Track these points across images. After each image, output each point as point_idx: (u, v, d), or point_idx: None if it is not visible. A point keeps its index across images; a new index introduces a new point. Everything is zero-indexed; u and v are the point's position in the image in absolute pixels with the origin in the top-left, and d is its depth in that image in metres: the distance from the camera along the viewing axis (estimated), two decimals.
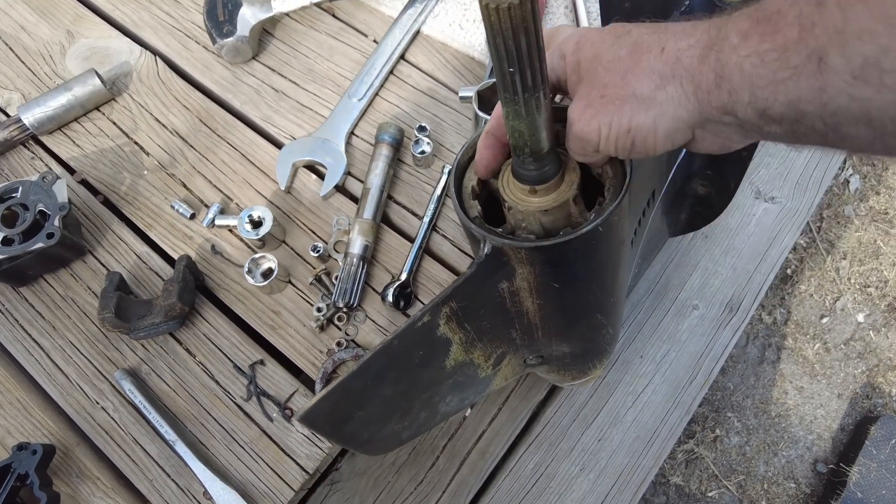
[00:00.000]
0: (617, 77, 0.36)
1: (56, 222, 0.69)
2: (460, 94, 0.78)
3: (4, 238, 0.69)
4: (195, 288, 0.73)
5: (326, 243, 0.74)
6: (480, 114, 0.71)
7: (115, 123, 0.85)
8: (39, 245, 0.68)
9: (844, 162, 1.55)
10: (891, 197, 1.51)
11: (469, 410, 0.82)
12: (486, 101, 0.73)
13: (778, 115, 0.31)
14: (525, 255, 0.45)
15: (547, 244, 0.43)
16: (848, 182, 1.53)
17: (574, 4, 0.86)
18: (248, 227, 0.71)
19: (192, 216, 0.78)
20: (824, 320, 1.42)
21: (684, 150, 0.75)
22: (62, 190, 0.72)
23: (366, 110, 0.82)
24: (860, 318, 1.42)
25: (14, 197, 0.71)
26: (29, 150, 0.84)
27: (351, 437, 0.49)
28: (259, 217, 0.71)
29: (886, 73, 0.26)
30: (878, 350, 1.40)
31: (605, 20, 0.76)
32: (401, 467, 0.78)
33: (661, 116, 0.35)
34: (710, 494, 1.24)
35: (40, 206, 0.70)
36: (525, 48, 0.35)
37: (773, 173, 1.03)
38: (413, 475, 0.78)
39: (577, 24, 0.85)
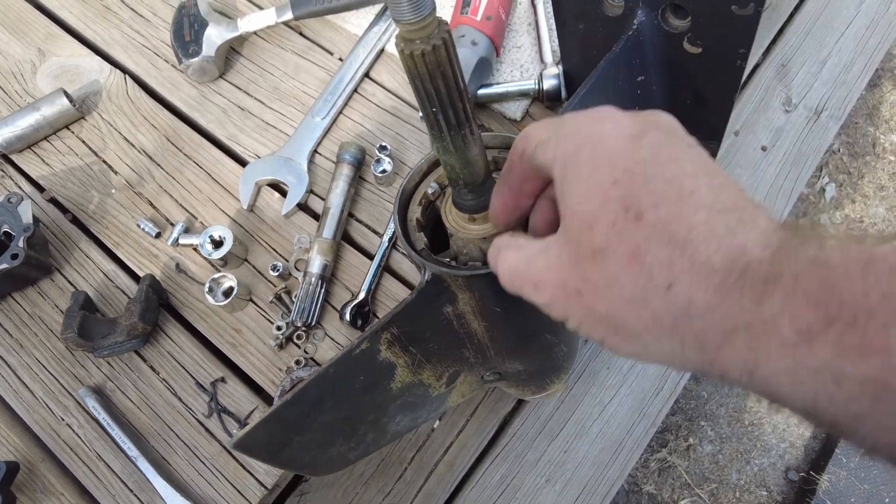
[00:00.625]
0: (601, 283, 0.27)
1: (20, 243, 0.71)
2: (421, 112, 0.79)
3: None
4: (159, 306, 0.74)
5: (287, 261, 0.76)
6: None
7: (84, 142, 0.87)
8: (4, 266, 0.70)
9: (820, 170, 1.56)
10: (866, 205, 1.51)
11: (437, 422, 0.83)
12: None
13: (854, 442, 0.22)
14: (462, 282, 0.46)
15: (481, 273, 0.44)
16: (824, 190, 1.54)
17: (537, 24, 0.87)
18: (210, 247, 0.72)
19: (158, 235, 0.79)
20: None
21: None
22: (27, 211, 0.73)
23: (329, 129, 0.83)
24: None
25: None
26: None
27: (291, 461, 0.50)
28: (220, 237, 0.73)
29: None
30: None
31: (561, 41, 0.76)
32: (369, 479, 0.79)
33: (643, 353, 0.28)
34: (682, 503, 1.25)
35: (5, 227, 0.72)
36: (444, 90, 0.36)
37: (743, 185, 1.04)
38: (381, 486, 0.79)
39: (539, 43, 0.86)
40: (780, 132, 1.11)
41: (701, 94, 0.71)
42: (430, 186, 0.51)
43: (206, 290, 0.71)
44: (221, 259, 0.73)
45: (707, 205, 0.25)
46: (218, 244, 0.73)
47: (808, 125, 1.12)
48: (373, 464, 0.80)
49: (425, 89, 0.36)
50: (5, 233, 0.72)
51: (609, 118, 0.29)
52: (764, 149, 1.09)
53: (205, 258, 0.77)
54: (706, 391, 1.33)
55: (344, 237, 0.78)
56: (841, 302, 0.19)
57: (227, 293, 0.72)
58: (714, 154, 0.75)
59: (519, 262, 0.33)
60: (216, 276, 0.72)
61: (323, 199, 0.80)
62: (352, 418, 0.53)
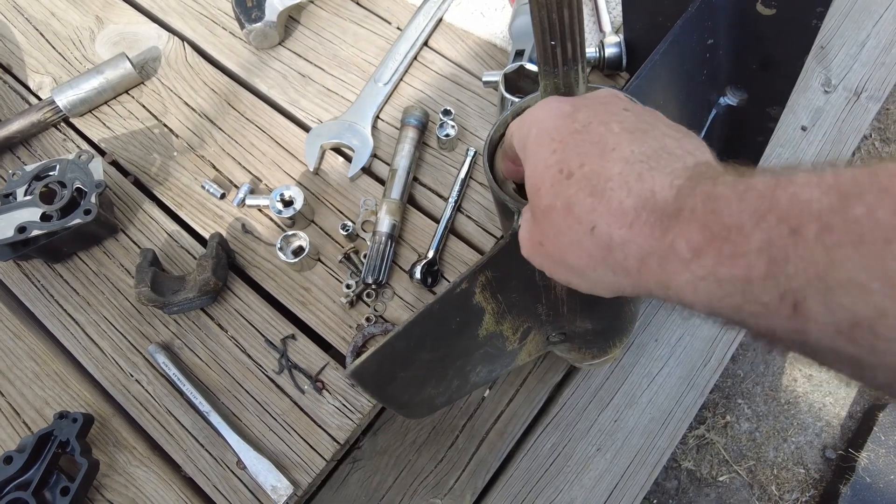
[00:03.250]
0: (551, 233, 0.33)
1: (93, 199, 0.71)
2: (484, 78, 0.80)
3: (43, 214, 0.70)
4: (227, 265, 0.75)
5: (354, 223, 0.76)
6: (507, 95, 0.73)
7: (144, 106, 0.87)
8: (77, 221, 0.70)
9: (853, 155, 1.57)
10: None
11: (487, 391, 0.84)
12: (512, 83, 0.75)
13: (749, 332, 0.25)
14: None
15: None
16: None
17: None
18: (280, 205, 0.73)
19: (223, 196, 0.80)
20: None
21: (703, 132, 0.77)
22: (98, 168, 0.73)
23: (391, 95, 0.84)
24: None
25: (51, 175, 0.73)
26: (61, 132, 0.86)
27: (392, 398, 0.51)
28: (290, 196, 0.73)
29: (881, 339, 0.20)
30: None
31: (625, 9, 0.77)
32: (421, 446, 0.80)
33: (594, 286, 0.33)
34: (720, 479, 1.26)
35: (77, 184, 0.72)
36: (567, 21, 0.37)
37: (785, 163, 1.05)
38: (433, 454, 0.80)
39: (597, 13, 0.87)
40: (820, 112, 1.12)
41: (769, 58, 0.72)
42: None
43: (277, 247, 0.72)
44: (290, 218, 0.73)
45: (624, 158, 0.30)
46: (288, 203, 0.73)
47: (847, 106, 1.13)
48: (424, 431, 0.81)
49: (549, 19, 0.37)
50: (77, 189, 0.72)
51: (551, 102, 0.36)
52: (804, 129, 1.10)
53: (273, 218, 0.77)
54: (742, 370, 1.34)
55: (409, 200, 0.78)
56: (722, 224, 0.24)
57: (297, 252, 0.72)
58: (777, 118, 0.76)
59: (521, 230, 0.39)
60: (287, 234, 0.72)
61: (386, 163, 0.80)
62: (444, 360, 0.54)
